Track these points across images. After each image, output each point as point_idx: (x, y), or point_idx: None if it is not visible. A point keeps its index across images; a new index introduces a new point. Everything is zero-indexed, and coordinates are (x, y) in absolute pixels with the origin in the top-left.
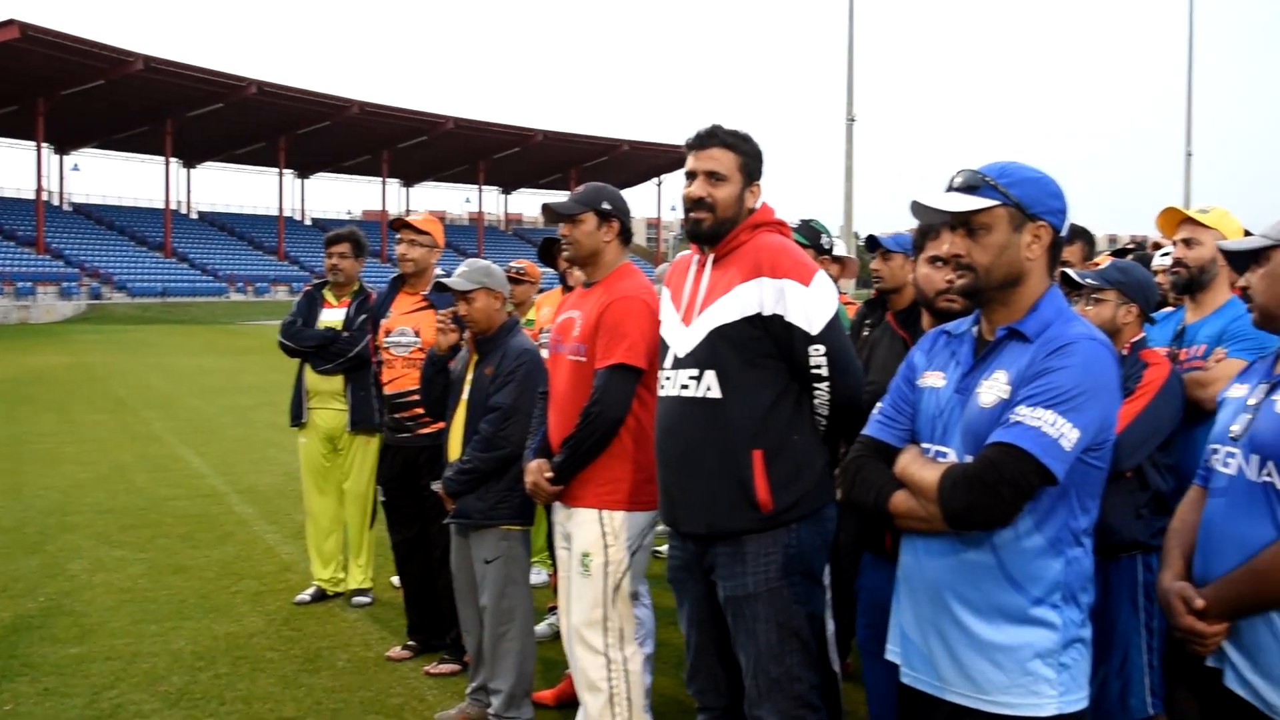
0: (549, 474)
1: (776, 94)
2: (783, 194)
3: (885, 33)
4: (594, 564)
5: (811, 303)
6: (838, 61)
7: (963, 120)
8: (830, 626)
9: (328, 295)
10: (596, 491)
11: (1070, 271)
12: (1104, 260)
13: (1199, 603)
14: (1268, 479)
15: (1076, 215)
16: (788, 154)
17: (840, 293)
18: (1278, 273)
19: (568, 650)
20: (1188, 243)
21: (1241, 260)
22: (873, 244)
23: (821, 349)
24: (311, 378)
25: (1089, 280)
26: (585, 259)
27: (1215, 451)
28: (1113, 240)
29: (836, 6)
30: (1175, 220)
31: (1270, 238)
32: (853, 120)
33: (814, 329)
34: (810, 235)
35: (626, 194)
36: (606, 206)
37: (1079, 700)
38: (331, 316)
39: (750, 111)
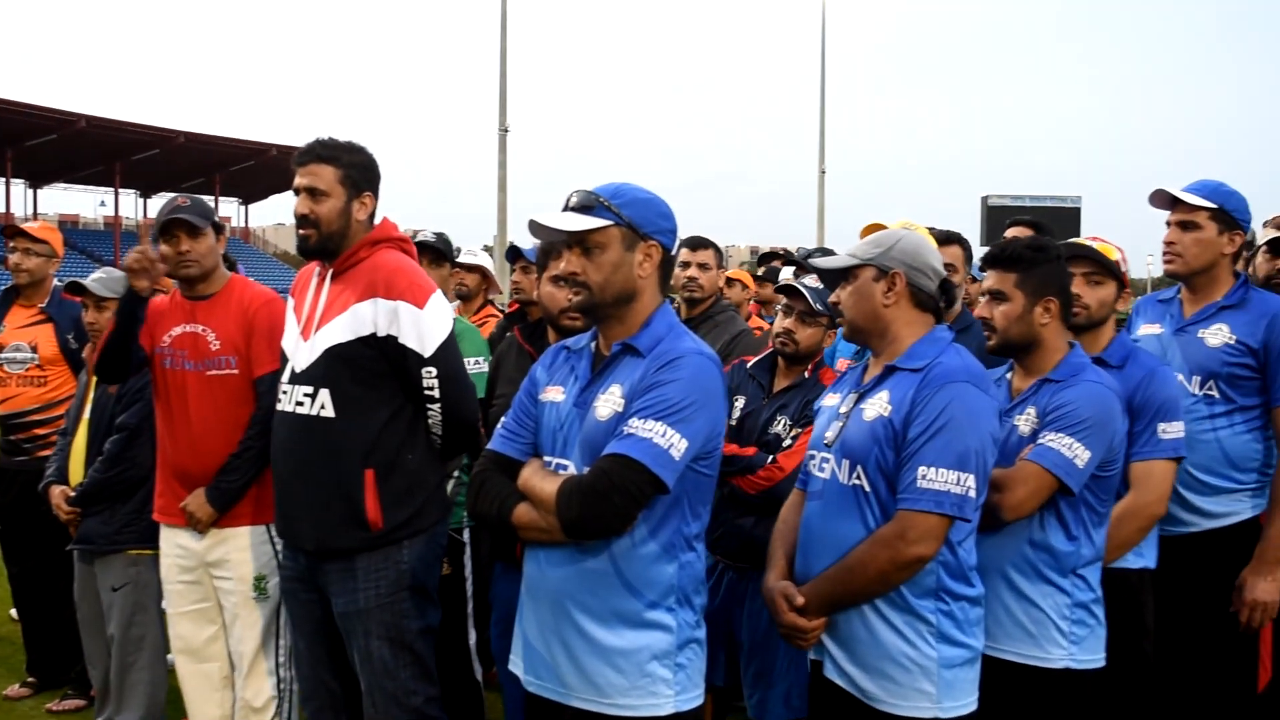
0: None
1: (433, 101)
2: (438, 204)
3: (538, 45)
4: (270, 584)
5: (425, 325)
6: (492, 71)
7: (616, 136)
8: (472, 637)
9: None
10: (257, 508)
11: (801, 287)
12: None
13: (799, 600)
14: (857, 482)
15: (725, 227)
16: (443, 163)
17: (488, 303)
18: (864, 290)
19: (195, 679)
20: None
21: (833, 278)
22: (514, 254)
23: (434, 371)
24: None
25: (818, 305)
26: (206, 274)
27: (813, 457)
28: (754, 251)
29: (491, 15)
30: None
31: (858, 257)
32: (506, 131)
33: (427, 351)
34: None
35: (277, 200)
36: (218, 220)
37: (695, 698)
38: None
39: (405, 117)
